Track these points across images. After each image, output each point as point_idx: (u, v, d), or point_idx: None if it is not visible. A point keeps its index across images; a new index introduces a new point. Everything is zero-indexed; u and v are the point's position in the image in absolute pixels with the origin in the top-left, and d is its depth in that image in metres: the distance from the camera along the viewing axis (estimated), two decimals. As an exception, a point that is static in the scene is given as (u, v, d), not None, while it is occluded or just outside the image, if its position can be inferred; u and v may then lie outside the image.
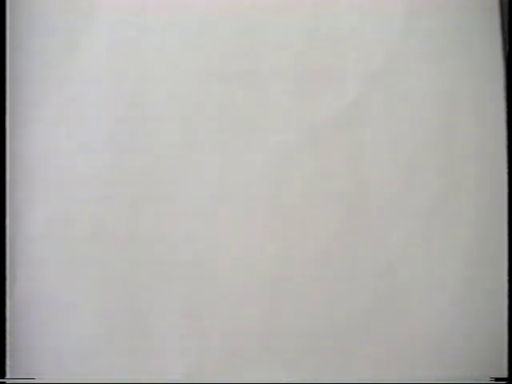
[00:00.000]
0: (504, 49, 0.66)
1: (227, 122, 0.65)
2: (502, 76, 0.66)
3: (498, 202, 0.65)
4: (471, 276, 0.64)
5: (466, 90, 0.66)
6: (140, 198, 0.65)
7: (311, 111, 0.65)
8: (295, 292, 0.64)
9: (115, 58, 0.66)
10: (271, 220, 0.64)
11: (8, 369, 0.63)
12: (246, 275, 0.64)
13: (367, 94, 0.66)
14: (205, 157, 0.65)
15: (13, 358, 0.63)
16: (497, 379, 0.63)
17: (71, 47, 0.66)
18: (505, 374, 0.63)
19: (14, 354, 0.63)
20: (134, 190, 0.65)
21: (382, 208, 0.65)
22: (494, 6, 0.66)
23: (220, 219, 0.65)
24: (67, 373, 0.63)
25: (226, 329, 0.64)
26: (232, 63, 0.66)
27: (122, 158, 0.65)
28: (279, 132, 0.65)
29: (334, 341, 0.64)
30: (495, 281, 0.64)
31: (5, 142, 0.65)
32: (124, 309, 0.64)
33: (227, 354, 0.64)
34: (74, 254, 0.64)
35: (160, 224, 0.64)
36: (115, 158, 0.65)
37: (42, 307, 0.64)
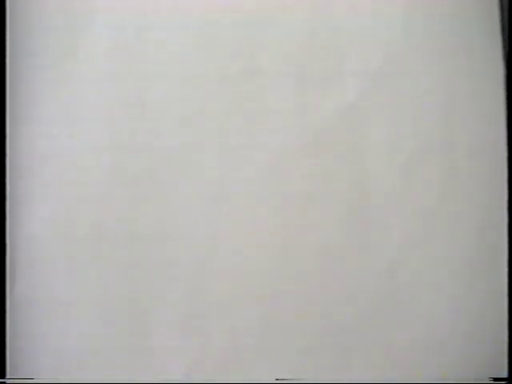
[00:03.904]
0: (504, 49, 0.66)
1: (227, 122, 0.65)
2: (502, 76, 0.66)
3: (498, 202, 0.65)
4: (471, 276, 0.64)
5: (466, 90, 0.66)
6: (140, 197, 0.65)
7: (311, 111, 0.66)
8: (295, 292, 0.64)
9: (115, 58, 0.66)
10: (271, 220, 0.64)
11: (8, 369, 0.63)
12: (245, 275, 0.64)
13: (367, 93, 0.66)
14: (205, 157, 0.65)
15: (13, 358, 0.63)
16: (497, 379, 0.63)
17: (71, 47, 0.66)
18: (505, 374, 0.63)
19: (14, 354, 0.63)
20: (134, 189, 0.65)
21: (381, 208, 0.65)
22: (494, 6, 0.66)
23: (220, 219, 0.65)
24: (67, 373, 0.63)
25: (226, 329, 0.64)
26: (232, 63, 0.66)
27: (122, 158, 0.65)
28: (279, 132, 0.65)
29: (334, 341, 0.64)
30: (495, 281, 0.64)
31: (5, 141, 0.65)
32: (124, 308, 0.64)
33: (227, 353, 0.64)
34: (74, 253, 0.64)
35: (160, 224, 0.64)
36: (115, 157, 0.65)
37: (42, 307, 0.64)
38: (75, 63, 0.66)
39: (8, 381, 0.63)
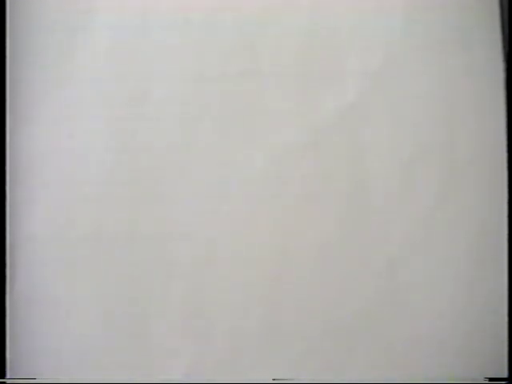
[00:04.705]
0: (504, 49, 0.66)
1: (227, 122, 0.65)
2: (501, 76, 0.66)
3: (498, 202, 0.65)
4: (471, 276, 0.64)
5: (466, 90, 0.66)
6: (140, 197, 0.65)
7: (311, 111, 0.66)
8: (295, 292, 0.64)
9: (115, 58, 0.66)
10: (271, 220, 0.64)
11: (8, 369, 0.63)
12: (246, 275, 0.64)
13: (367, 93, 0.66)
14: (205, 157, 0.65)
15: (13, 358, 0.63)
16: (496, 379, 0.63)
17: (71, 47, 0.66)
18: (505, 374, 0.63)
19: (14, 354, 0.63)
20: (134, 189, 0.65)
21: (381, 208, 0.65)
22: (494, 6, 0.66)
23: (220, 219, 0.65)
24: (67, 373, 0.63)
25: (225, 329, 0.64)
26: (232, 63, 0.66)
27: (122, 158, 0.65)
28: (279, 132, 0.65)
29: (334, 341, 0.64)
30: (495, 280, 0.64)
31: (5, 141, 0.65)
32: (124, 309, 0.64)
33: (227, 354, 0.64)
34: (74, 253, 0.64)
35: (160, 224, 0.64)
36: (115, 157, 0.65)
37: (42, 307, 0.64)
38: (75, 63, 0.66)
39: (8, 381, 0.63)
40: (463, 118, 0.66)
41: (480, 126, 0.66)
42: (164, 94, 0.66)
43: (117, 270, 0.64)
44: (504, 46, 0.66)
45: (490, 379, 0.63)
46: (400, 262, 0.64)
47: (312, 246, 0.64)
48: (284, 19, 0.66)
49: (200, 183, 0.65)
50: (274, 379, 0.63)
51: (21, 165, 0.65)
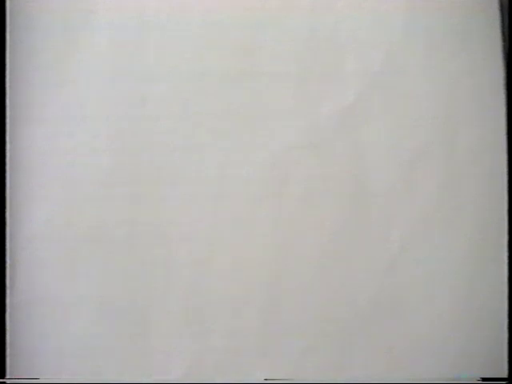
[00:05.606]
0: (504, 49, 0.66)
1: (227, 122, 0.65)
2: (502, 76, 0.66)
3: (498, 202, 0.65)
4: (471, 276, 0.64)
5: (466, 90, 0.66)
6: (140, 197, 0.65)
7: (311, 111, 0.66)
8: (295, 292, 0.64)
9: (115, 58, 0.66)
10: (271, 220, 0.64)
11: (8, 369, 0.63)
12: (246, 275, 0.64)
13: (367, 94, 0.66)
14: (205, 157, 0.65)
15: (13, 358, 0.63)
16: (496, 379, 0.63)
17: (71, 47, 0.66)
18: (505, 374, 0.63)
19: (14, 354, 0.63)
20: (134, 189, 0.65)
21: (381, 208, 0.65)
22: (494, 6, 0.66)
23: (220, 219, 0.65)
24: (67, 373, 0.63)
25: (225, 329, 0.64)
26: (232, 63, 0.66)
27: (122, 158, 0.65)
28: (279, 132, 0.65)
29: (334, 341, 0.64)
30: (495, 280, 0.64)
31: (5, 141, 0.65)
32: (124, 309, 0.64)
33: (227, 354, 0.64)
34: (74, 253, 0.64)
35: (160, 224, 0.64)
36: (115, 157, 0.65)
37: (42, 307, 0.64)
38: (75, 63, 0.66)
39: (8, 381, 0.63)
40: (463, 118, 0.66)
41: (480, 126, 0.66)
42: (164, 93, 0.66)
43: (117, 270, 0.64)
44: (504, 46, 0.66)
45: (490, 379, 0.63)
46: (400, 262, 0.64)
47: (312, 245, 0.64)
48: (284, 19, 0.66)
49: (200, 183, 0.65)
50: (273, 379, 0.63)
51: (21, 165, 0.65)
